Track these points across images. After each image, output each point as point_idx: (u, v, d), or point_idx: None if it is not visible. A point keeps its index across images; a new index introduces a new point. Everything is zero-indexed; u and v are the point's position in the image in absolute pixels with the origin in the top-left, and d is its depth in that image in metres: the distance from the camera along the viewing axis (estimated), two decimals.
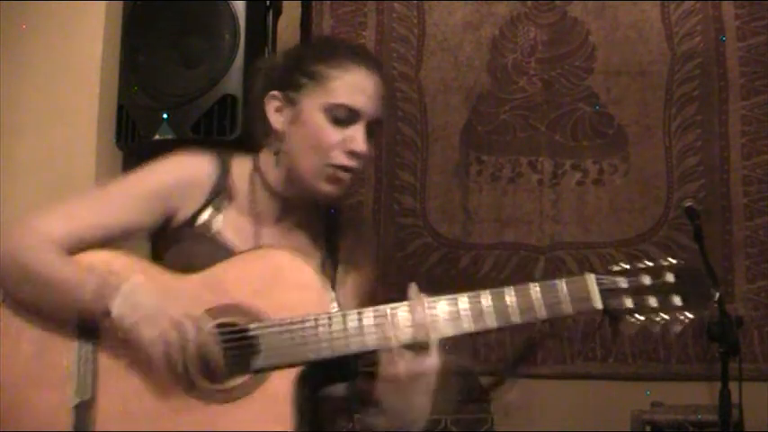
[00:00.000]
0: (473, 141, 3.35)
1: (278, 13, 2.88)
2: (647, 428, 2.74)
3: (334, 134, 1.63)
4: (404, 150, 3.39)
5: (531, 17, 3.38)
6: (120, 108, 2.79)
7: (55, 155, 2.85)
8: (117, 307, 1.51)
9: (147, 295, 1.53)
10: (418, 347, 1.48)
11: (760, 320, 3.06)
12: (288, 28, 2.96)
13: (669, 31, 3.26)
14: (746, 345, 2.94)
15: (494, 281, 3.23)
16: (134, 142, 2.75)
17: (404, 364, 1.47)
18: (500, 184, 3.31)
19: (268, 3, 2.81)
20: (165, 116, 2.69)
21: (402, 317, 1.51)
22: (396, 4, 3.48)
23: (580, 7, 3.35)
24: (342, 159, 1.64)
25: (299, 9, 3.02)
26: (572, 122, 3.30)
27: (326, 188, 1.65)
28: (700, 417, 2.68)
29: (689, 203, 2.58)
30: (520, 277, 3.20)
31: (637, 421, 2.75)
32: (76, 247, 1.61)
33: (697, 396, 2.92)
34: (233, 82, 2.65)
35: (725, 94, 3.20)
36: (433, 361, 1.48)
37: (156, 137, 2.69)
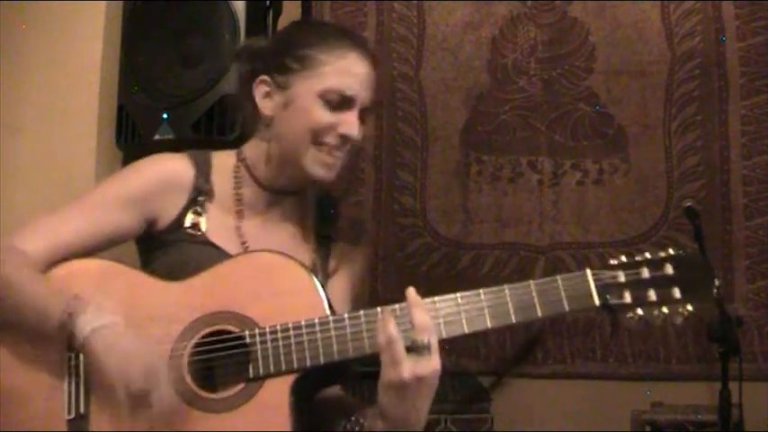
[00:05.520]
0: (473, 141, 3.35)
1: (278, 13, 2.89)
2: (647, 428, 2.74)
3: (326, 117, 1.63)
4: (404, 150, 3.39)
5: (531, 17, 3.38)
6: (120, 108, 2.79)
7: (55, 155, 2.85)
8: (80, 332, 1.49)
9: (117, 334, 1.49)
10: (419, 350, 1.44)
11: (760, 320, 3.06)
12: None
13: (669, 31, 3.26)
14: (746, 345, 2.93)
15: (494, 281, 3.21)
16: (134, 142, 2.76)
17: (407, 367, 1.43)
18: (500, 184, 3.31)
19: (268, 3, 2.82)
20: (165, 116, 2.69)
21: (401, 319, 1.47)
22: (396, 4, 3.47)
23: (580, 7, 3.34)
24: (333, 141, 1.63)
25: (299, 9, 3.02)
26: (572, 122, 3.30)
27: (317, 171, 1.64)
28: (700, 417, 2.68)
29: (689, 203, 2.58)
30: (520, 277, 3.21)
31: (637, 421, 2.75)
32: (56, 257, 1.60)
33: (697, 396, 2.91)
34: (233, 82, 2.65)
35: (725, 94, 3.19)
36: (435, 364, 1.44)
37: (156, 137, 2.70)
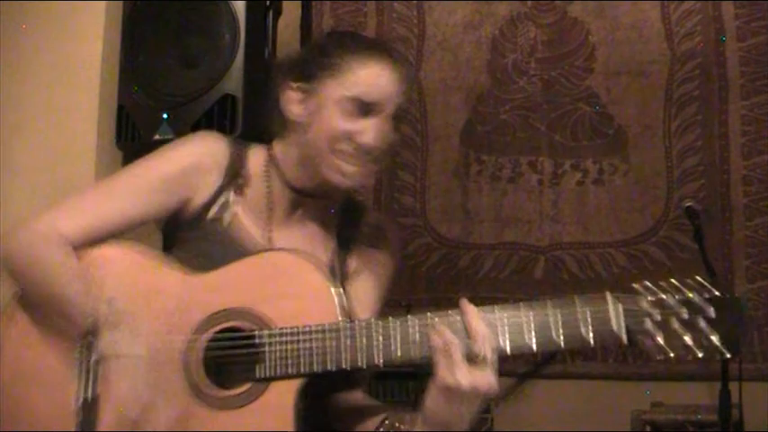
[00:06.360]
0: (473, 141, 3.35)
1: (278, 13, 2.88)
2: (647, 428, 2.74)
3: (344, 125, 1.62)
4: (404, 150, 3.39)
5: (531, 17, 3.38)
6: (120, 108, 2.79)
7: (55, 155, 2.85)
8: (100, 350, 1.53)
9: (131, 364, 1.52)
10: (475, 360, 1.41)
11: (760, 320, 3.06)
12: (288, 28, 2.96)
13: (669, 31, 3.26)
14: (746, 345, 2.93)
15: (494, 281, 3.23)
16: (134, 142, 2.75)
17: (466, 374, 1.40)
18: (500, 184, 3.31)
19: (268, 3, 2.81)
20: (165, 116, 2.69)
21: (456, 327, 1.44)
22: (396, 4, 3.48)
23: (580, 7, 3.34)
24: (349, 149, 1.62)
25: (299, 9, 3.02)
26: (572, 122, 3.30)
27: (333, 178, 1.64)
28: (700, 417, 2.68)
29: (689, 203, 2.58)
30: (519, 277, 3.22)
31: (637, 421, 2.75)
32: (94, 239, 1.61)
33: (697, 396, 2.92)
34: (233, 82, 2.65)
35: (725, 94, 3.19)
36: (491, 377, 1.41)
37: (156, 137, 2.69)
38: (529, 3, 3.38)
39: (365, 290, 1.73)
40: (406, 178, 3.38)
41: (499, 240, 3.29)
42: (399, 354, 1.47)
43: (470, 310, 1.45)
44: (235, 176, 1.69)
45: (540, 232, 3.27)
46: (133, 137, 2.75)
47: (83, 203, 1.65)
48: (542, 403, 3.15)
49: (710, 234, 2.98)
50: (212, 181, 1.68)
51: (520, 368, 3.15)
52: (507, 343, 1.43)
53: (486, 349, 1.41)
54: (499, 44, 3.38)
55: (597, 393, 3.11)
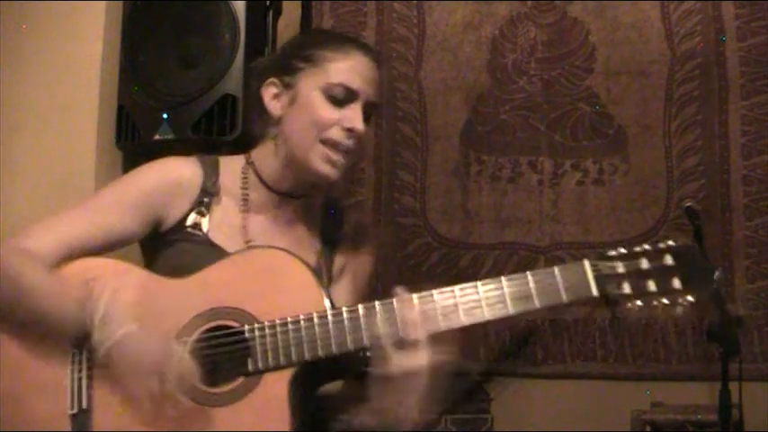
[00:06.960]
0: (473, 141, 3.35)
1: (278, 13, 2.89)
2: (647, 428, 2.74)
3: (330, 112, 1.66)
4: (404, 150, 3.39)
5: (531, 17, 3.38)
6: (120, 108, 2.79)
7: (55, 155, 2.85)
8: (99, 343, 1.51)
9: (132, 342, 1.50)
10: (407, 346, 1.47)
11: (760, 320, 3.06)
12: (288, 28, 2.96)
13: (669, 31, 3.26)
14: (746, 345, 2.93)
15: None
16: (134, 142, 2.76)
17: (394, 362, 1.47)
18: (500, 184, 3.31)
19: (268, 3, 2.82)
20: (165, 116, 2.70)
21: (389, 314, 1.50)
22: (396, 4, 3.47)
23: (580, 7, 3.34)
24: (338, 135, 1.65)
25: (299, 9, 3.03)
26: (572, 122, 3.30)
27: (322, 168, 1.66)
28: (700, 417, 2.68)
29: (689, 203, 2.58)
30: None
31: (637, 421, 2.75)
32: (64, 255, 1.60)
33: (697, 396, 2.92)
34: (233, 82, 2.66)
35: (725, 94, 3.19)
36: (422, 359, 1.47)
37: (156, 137, 2.70)
38: (529, 3, 3.38)
39: (350, 289, 1.76)
40: (406, 178, 3.38)
41: (499, 240, 3.29)
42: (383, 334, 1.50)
43: (401, 299, 1.51)
44: (208, 192, 1.70)
45: (540, 232, 3.27)
46: (133, 137, 2.76)
47: (55, 225, 1.64)
48: (542, 403, 3.15)
49: (710, 234, 2.99)
50: (185, 200, 1.69)
51: (519, 368, 3.16)
52: (486, 313, 1.52)
53: (415, 334, 1.47)
54: (499, 44, 3.38)
55: (597, 393, 3.11)
